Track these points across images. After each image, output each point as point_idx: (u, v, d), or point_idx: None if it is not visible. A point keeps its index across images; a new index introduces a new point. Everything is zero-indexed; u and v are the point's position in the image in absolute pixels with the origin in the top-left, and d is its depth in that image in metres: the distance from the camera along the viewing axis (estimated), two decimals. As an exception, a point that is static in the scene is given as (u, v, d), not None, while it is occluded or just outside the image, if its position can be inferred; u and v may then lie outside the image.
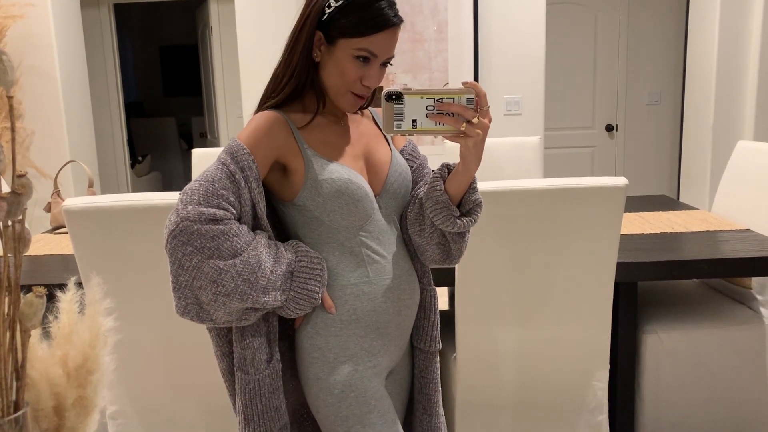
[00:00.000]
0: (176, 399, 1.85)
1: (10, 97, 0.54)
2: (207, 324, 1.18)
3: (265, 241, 1.16)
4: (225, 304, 1.11)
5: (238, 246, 1.11)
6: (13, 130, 0.54)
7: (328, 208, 1.20)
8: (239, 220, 1.15)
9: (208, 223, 1.09)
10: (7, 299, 0.60)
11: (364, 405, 1.22)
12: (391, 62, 1.22)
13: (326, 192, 1.19)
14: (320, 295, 1.20)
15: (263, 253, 1.14)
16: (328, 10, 1.16)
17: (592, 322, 1.85)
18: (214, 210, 1.09)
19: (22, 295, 0.61)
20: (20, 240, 0.60)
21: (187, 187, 1.13)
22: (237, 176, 1.13)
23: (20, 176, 0.58)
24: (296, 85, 1.21)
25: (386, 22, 1.15)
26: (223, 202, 1.11)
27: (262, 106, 1.25)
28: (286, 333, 1.29)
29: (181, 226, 1.08)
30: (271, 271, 1.14)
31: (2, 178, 0.55)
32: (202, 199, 1.10)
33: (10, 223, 0.58)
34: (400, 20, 1.18)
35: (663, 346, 2.14)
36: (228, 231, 1.10)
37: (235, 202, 1.13)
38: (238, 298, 1.11)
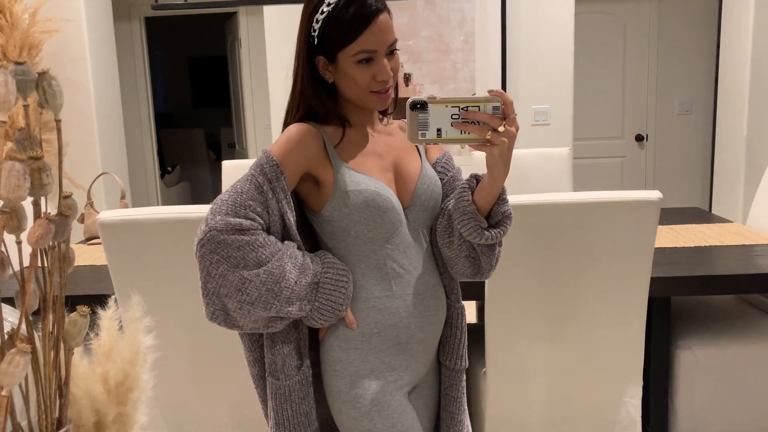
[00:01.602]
0: (206, 410, 1.86)
1: (58, 121, 0.56)
2: (235, 329, 1.19)
3: (291, 252, 1.17)
4: (250, 312, 1.13)
5: (264, 256, 1.12)
6: (60, 153, 0.55)
7: (354, 219, 1.20)
8: (268, 230, 1.16)
9: (234, 233, 1.11)
10: (51, 318, 0.60)
11: (387, 419, 1.21)
12: (397, 48, 1.21)
13: (353, 203, 1.19)
14: (345, 308, 1.20)
15: (288, 264, 1.15)
16: (314, 34, 1.18)
17: (625, 338, 1.82)
18: (240, 220, 1.11)
19: (66, 313, 0.62)
20: (65, 260, 0.61)
21: (218, 198, 1.15)
22: (265, 188, 1.14)
23: (66, 197, 0.59)
24: (310, 110, 1.24)
25: (366, 17, 1.15)
26: (251, 213, 1.13)
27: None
28: (317, 342, 1.29)
29: (209, 235, 1.10)
30: (296, 282, 1.15)
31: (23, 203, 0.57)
32: (230, 209, 1.12)
33: (56, 243, 0.59)
34: (381, 8, 1.17)
35: (697, 362, 2.09)
36: (254, 242, 1.11)
37: (263, 212, 1.14)
38: (262, 306, 1.12)
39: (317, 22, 1.17)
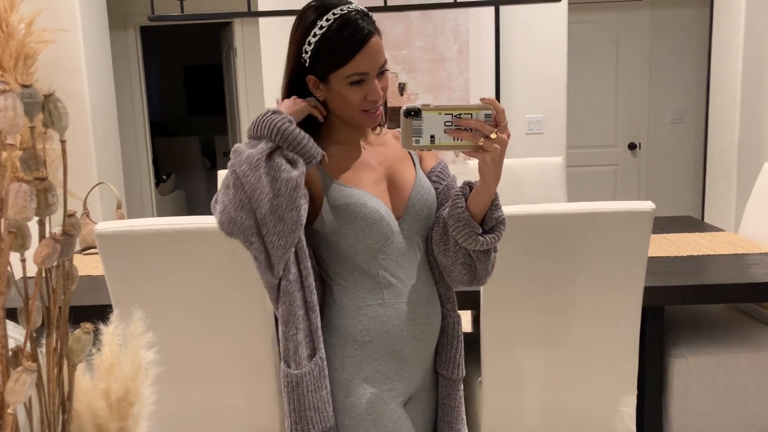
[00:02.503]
0: (206, 419, 1.86)
1: (63, 141, 0.57)
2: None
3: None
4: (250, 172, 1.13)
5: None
6: (65, 172, 0.56)
7: (343, 233, 1.22)
8: None
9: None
10: (55, 335, 0.61)
11: (381, 428, 1.22)
12: (387, 68, 1.24)
13: (341, 217, 1.21)
14: (276, 115, 1.17)
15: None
16: (305, 56, 1.21)
17: (620, 347, 1.84)
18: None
19: (70, 330, 0.63)
20: (69, 277, 0.62)
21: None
22: None
23: (70, 216, 0.60)
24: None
25: (360, 41, 1.17)
26: None
27: None
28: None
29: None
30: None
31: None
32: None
33: (61, 261, 0.60)
34: (372, 32, 1.19)
35: (691, 370, 2.11)
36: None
37: None
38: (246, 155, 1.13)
39: (309, 44, 1.19)
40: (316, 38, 1.18)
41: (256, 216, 1.11)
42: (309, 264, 1.21)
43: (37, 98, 0.54)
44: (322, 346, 1.22)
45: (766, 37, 3.79)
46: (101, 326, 0.73)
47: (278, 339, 1.26)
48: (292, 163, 1.14)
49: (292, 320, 1.20)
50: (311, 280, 1.21)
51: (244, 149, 1.14)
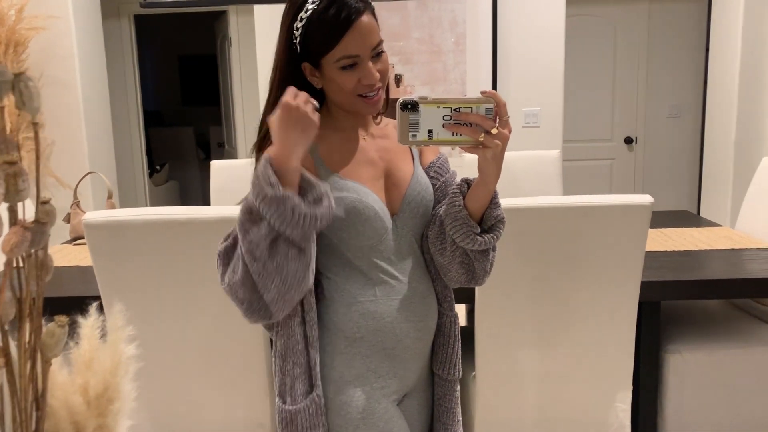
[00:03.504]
0: (194, 414, 1.83)
1: (35, 124, 0.53)
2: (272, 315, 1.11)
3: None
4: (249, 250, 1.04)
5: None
6: (38, 158, 0.53)
7: (336, 226, 1.17)
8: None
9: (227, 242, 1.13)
10: (28, 328, 0.58)
11: (372, 427, 1.18)
12: (383, 49, 1.16)
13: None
14: (274, 190, 1.01)
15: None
16: (296, 42, 1.15)
17: (615, 342, 1.82)
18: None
19: (44, 323, 0.60)
20: (42, 268, 0.58)
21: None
22: None
23: (44, 203, 0.57)
24: None
25: (346, 19, 1.11)
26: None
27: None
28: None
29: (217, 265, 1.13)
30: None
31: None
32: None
33: (33, 251, 0.56)
34: (361, 9, 1.11)
35: (687, 366, 2.09)
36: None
37: None
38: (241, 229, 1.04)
39: (297, 29, 1.14)
40: (303, 22, 1.13)
41: (262, 295, 1.06)
42: (312, 299, 1.17)
43: (6, 77, 0.51)
44: (320, 383, 1.17)
45: (764, 32, 3.77)
46: (80, 319, 0.70)
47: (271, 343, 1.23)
48: (300, 248, 1.04)
49: (289, 355, 1.16)
50: (313, 315, 1.16)
51: (248, 225, 1.02)
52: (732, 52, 3.86)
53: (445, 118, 1.08)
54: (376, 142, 1.27)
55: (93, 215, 1.66)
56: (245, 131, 5.15)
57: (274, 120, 1.04)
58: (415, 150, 1.31)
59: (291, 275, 1.05)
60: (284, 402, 1.17)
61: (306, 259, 1.06)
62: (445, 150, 3.97)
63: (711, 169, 4.18)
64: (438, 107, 1.08)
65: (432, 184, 1.29)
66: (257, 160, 1.21)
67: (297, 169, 1.05)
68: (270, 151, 1.06)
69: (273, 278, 1.04)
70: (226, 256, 1.11)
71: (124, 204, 5.05)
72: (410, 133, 1.09)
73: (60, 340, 0.59)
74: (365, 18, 1.13)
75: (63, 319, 0.58)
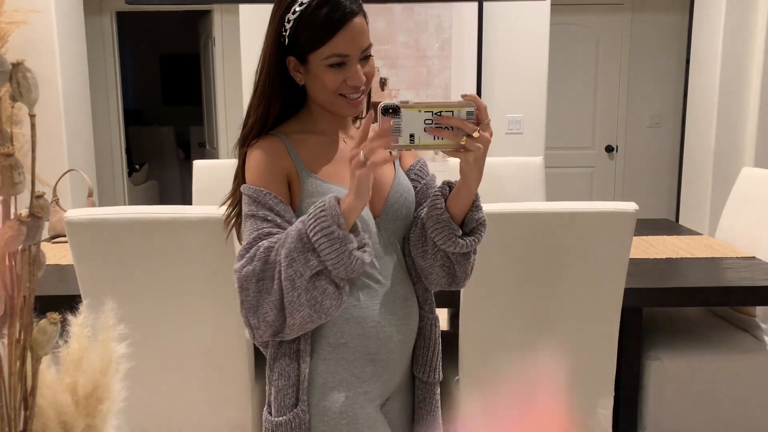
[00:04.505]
0: (179, 414, 1.81)
1: (32, 116, 0.52)
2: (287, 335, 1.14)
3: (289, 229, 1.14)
4: (291, 288, 1.07)
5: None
6: (33, 150, 0.52)
7: None
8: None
9: (259, 269, 1.10)
10: (18, 325, 0.57)
11: None
12: (371, 53, 1.17)
13: None
14: (340, 230, 1.06)
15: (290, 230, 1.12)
16: (285, 34, 1.15)
17: (598, 348, 1.83)
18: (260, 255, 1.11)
19: (35, 321, 0.58)
20: (35, 263, 0.57)
21: (239, 251, 1.15)
22: (269, 217, 1.13)
23: (38, 197, 0.55)
24: (269, 115, 1.20)
25: (340, 20, 1.11)
26: (263, 233, 1.13)
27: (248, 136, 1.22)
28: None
29: (240, 282, 1.11)
30: (292, 233, 1.10)
31: None
32: (246, 252, 1.13)
33: (26, 246, 0.55)
34: (356, 11, 1.13)
35: (667, 373, 2.11)
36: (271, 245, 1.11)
37: (278, 231, 1.13)
38: (289, 280, 1.07)
39: (288, 21, 1.14)
40: (295, 15, 1.13)
41: (286, 318, 1.10)
42: None
43: (5, 67, 0.49)
44: (306, 397, 1.16)
45: (744, 44, 3.84)
46: (69, 317, 0.68)
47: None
48: (338, 286, 1.10)
49: (277, 366, 1.17)
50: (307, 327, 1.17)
51: (297, 254, 1.06)
52: (712, 62, 3.93)
53: (427, 122, 1.08)
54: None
55: (75, 213, 1.64)
56: (227, 131, 5.11)
57: (360, 175, 1.06)
58: (395, 153, 1.31)
59: (323, 310, 1.09)
60: (270, 413, 1.18)
61: (341, 298, 1.11)
62: (428, 154, 3.99)
63: (690, 178, 4.24)
64: (419, 111, 1.08)
65: (413, 186, 1.30)
66: (240, 155, 1.22)
67: (357, 217, 1.10)
68: (343, 199, 1.09)
69: (304, 308, 1.08)
70: (247, 280, 1.11)
71: (103, 203, 4.98)
72: (392, 138, 1.09)
73: (51, 337, 0.58)
74: (358, 20, 1.13)
75: (55, 315, 0.57)
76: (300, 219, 1.11)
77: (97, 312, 0.71)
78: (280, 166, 1.18)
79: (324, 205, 1.08)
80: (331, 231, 1.05)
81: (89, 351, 0.66)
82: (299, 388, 1.16)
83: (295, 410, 1.16)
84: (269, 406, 1.18)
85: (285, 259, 1.07)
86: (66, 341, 0.69)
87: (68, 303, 0.79)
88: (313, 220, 1.07)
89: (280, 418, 1.15)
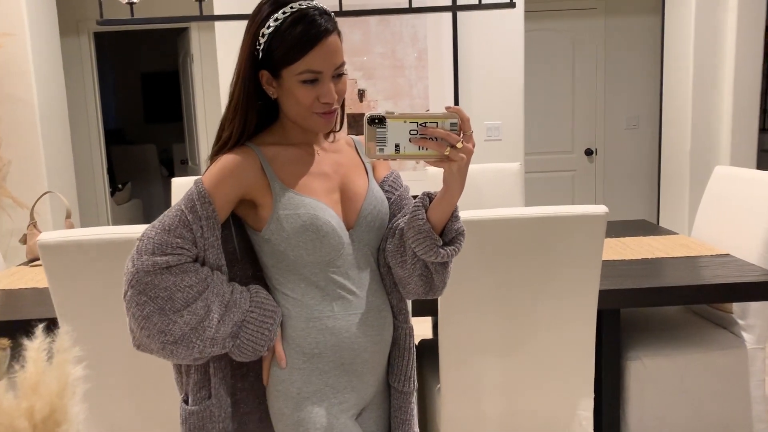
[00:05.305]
0: (145, 429, 1.80)
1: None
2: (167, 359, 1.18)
3: (218, 289, 1.15)
4: (172, 352, 1.13)
5: (190, 296, 1.12)
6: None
7: (292, 243, 1.17)
8: (199, 260, 1.15)
9: (161, 273, 1.10)
10: (-31, 352, 0.57)
11: None
12: (345, 71, 1.19)
13: (290, 227, 1.17)
14: (265, 349, 1.19)
15: (214, 303, 1.14)
16: (260, 48, 1.16)
17: (577, 350, 1.84)
18: (167, 258, 1.11)
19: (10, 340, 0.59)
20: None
21: (145, 233, 1.13)
22: (194, 226, 1.13)
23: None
24: (244, 128, 1.21)
25: (315, 36, 1.13)
26: (178, 249, 1.12)
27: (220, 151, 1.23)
28: (244, 373, 1.27)
29: (136, 277, 1.10)
30: (219, 321, 1.14)
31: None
32: (156, 248, 1.11)
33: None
34: (330, 30, 1.15)
35: (647, 372, 2.13)
36: (180, 282, 1.11)
37: (192, 247, 1.14)
38: (185, 346, 1.12)
39: (263, 36, 1.15)
40: (270, 30, 1.14)
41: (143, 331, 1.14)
42: None
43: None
44: (223, 389, 1.22)
45: (715, 44, 3.89)
46: (26, 341, 0.68)
47: None
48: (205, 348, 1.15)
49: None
50: None
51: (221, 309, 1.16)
52: (684, 63, 3.98)
53: (412, 132, 1.11)
54: (330, 156, 1.28)
55: (48, 235, 1.63)
56: (208, 148, 5.09)
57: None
58: (368, 164, 1.32)
59: (185, 359, 1.16)
60: (186, 402, 1.23)
61: (191, 356, 1.15)
62: (410, 164, 4.00)
63: (668, 178, 4.28)
64: (404, 122, 1.11)
65: (387, 197, 1.31)
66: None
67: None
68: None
69: (170, 356, 1.15)
70: (162, 288, 1.12)
71: (86, 224, 4.95)
72: (378, 147, 1.11)
73: (1, 363, 0.58)
74: (333, 38, 1.15)
75: (4, 341, 0.57)
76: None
77: (67, 335, 0.71)
78: (242, 182, 1.18)
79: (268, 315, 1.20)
80: (262, 347, 1.18)
81: (46, 375, 0.67)
82: (212, 378, 1.21)
83: (209, 401, 1.21)
84: (186, 396, 1.24)
85: (202, 304, 1.13)
86: (23, 366, 0.69)
87: (46, 326, 0.79)
88: (255, 310, 1.18)
89: (195, 407, 1.21)
